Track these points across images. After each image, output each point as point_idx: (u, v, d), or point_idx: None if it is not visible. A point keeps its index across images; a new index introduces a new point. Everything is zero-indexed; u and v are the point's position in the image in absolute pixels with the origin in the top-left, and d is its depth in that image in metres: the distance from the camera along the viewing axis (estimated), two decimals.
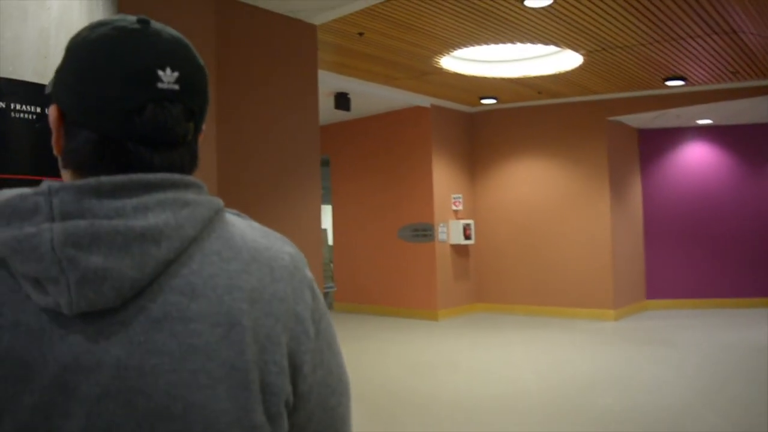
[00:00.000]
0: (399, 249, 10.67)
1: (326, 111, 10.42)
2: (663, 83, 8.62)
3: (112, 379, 0.70)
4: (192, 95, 0.81)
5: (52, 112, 0.81)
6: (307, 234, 5.23)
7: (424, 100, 10.04)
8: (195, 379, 0.71)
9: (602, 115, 9.87)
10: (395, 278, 10.71)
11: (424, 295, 10.34)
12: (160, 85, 0.77)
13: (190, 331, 0.72)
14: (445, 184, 10.52)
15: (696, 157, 10.95)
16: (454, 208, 10.61)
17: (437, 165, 10.36)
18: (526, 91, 9.33)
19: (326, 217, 16.02)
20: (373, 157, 11.04)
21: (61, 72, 0.80)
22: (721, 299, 10.70)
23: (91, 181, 0.73)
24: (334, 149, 11.66)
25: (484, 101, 10.08)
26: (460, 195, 10.67)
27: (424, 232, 10.34)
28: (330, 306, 11.77)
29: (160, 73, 0.77)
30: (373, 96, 9.42)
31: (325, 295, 5.68)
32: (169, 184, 0.77)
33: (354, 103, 9.58)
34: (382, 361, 7.29)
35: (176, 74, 0.78)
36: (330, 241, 12.10)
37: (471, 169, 11.12)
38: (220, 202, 0.82)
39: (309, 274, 0.87)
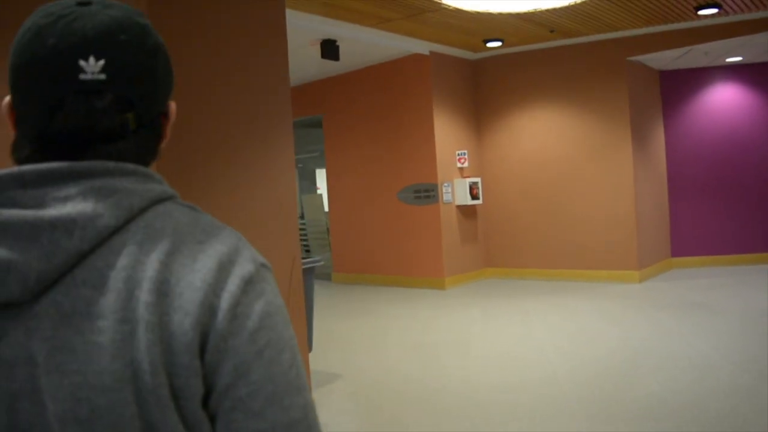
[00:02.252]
0: (400, 212, 9.78)
1: (313, 63, 9.44)
2: (694, 13, 7.57)
3: (28, 376, 0.67)
4: (126, 83, 0.75)
5: (3, 104, 0.80)
6: (279, 204, 4.32)
7: (423, 47, 9.03)
8: (100, 380, 0.67)
9: (621, 56, 8.84)
10: (397, 245, 9.84)
11: (429, 262, 9.48)
12: (82, 76, 0.73)
13: (97, 327, 0.68)
14: (449, 140, 9.57)
15: (724, 100, 9.93)
16: (459, 165, 9.68)
17: (439, 119, 9.40)
18: (536, 29, 8.30)
19: (321, 181, 15.17)
20: (368, 113, 10.08)
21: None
22: (752, 254, 9.81)
23: (14, 170, 0.71)
24: (326, 107, 10.71)
25: (489, 44, 9.05)
26: (465, 151, 9.72)
27: (427, 193, 9.44)
28: (328, 278, 10.94)
29: (82, 63, 0.73)
30: (364, 43, 8.41)
31: (307, 270, 4.78)
32: (100, 172, 0.73)
33: (344, 53, 8.59)
34: (381, 344, 6.43)
35: (101, 63, 0.73)
36: (326, 208, 11.22)
37: (476, 122, 10.15)
38: (164, 191, 0.79)
39: (250, 267, 0.76)
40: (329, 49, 8.23)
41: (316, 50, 8.33)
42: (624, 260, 8.95)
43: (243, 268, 0.76)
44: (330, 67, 9.93)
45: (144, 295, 0.70)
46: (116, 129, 0.76)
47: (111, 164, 0.74)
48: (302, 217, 12.24)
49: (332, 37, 8.12)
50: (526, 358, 5.55)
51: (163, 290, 0.70)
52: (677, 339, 5.84)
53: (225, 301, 0.72)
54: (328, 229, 11.10)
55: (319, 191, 15.46)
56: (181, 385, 0.69)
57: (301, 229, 12.06)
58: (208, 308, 0.71)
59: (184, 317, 0.70)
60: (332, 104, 10.61)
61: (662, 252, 9.75)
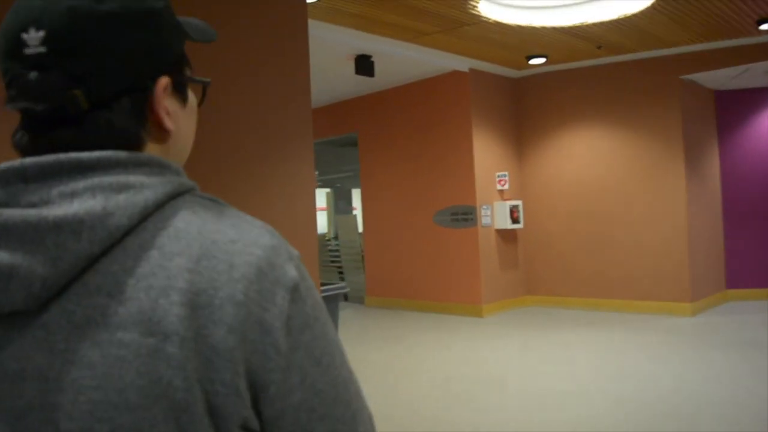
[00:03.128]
0: (436, 235, 9.36)
1: (348, 80, 9.15)
2: (755, 27, 7.04)
3: (36, 391, 0.62)
4: (70, 55, 0.66)
5: None
6: (296, 222, 3.96)
7: (462, 63, 8.65)
8: (124, 398, 0.61)
9: (674, 74, 8.32)
10: (433, 269, 9.41)
11: (466, 287, 9.02)
12: (26, 50, 0.67)
13: (117, 340, 0.61)
14: (489, 161, 9.14)
15: None
16: (500, 187, 9.23)
17: (479, 139, 8.99)
18: (582, 45, 7.85)
19: (357, 202, 14.86)
20: (405, 132, 9.73)
21: None
22: None
23: (16, 163, 0.66)
24: (362, 126, 10.39)
25: (532, 61, 8.62)
26: (505, 173, 9.27)
27: (465, 216, 9.00)
28: (362, 301, 10.55)
29: (24, 36, 0.67)
30: (400, 58, 8.08)
31: (331, 297, 4.40)
32: (112, 164, 0.66)
33: (379, 69, 8.27)
34: (411, 376, 6.00)
35: (41, 34, 0.66)
36: (360, 228, 10.87)
37: (518, 142, 9.70)
38: (183, 183, 0.70)
39: (293, 272, 0.69)
40: (364, 64, 7.92)
41: (351, 66, 8.03)
42: (675, 291, 8.35)
43: (286, 275, 0.68)
44: (365, 85, 9.64)
45: (174, 308, 0.62)
46: (64, 109, 0.67)
47: (123, 155, 0.67)
48: (336, 238, 11.92)
49: (366, 52, 7.81)
50: (567, 399, 5.05)
51: (198, 302, 0.63)
52: (735, 383, 5.27)
53: (275, 318, 0.66)
54: (362, 251, 10.74)
55: (355, 212, 15.13)
56: (220, 404, 0.63)
57: (334, 251, 11.73)
58: (256, 324, 0.64)
59: (228, 333, 0.63)
60: (368, 123, 10.29)
61: (716, 283, 9.11)
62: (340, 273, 11.44)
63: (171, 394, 0.61)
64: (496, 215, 9.13)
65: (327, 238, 13.19)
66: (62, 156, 0.65)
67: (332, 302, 4.83)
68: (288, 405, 0.66)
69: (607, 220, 8.87)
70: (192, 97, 0.81)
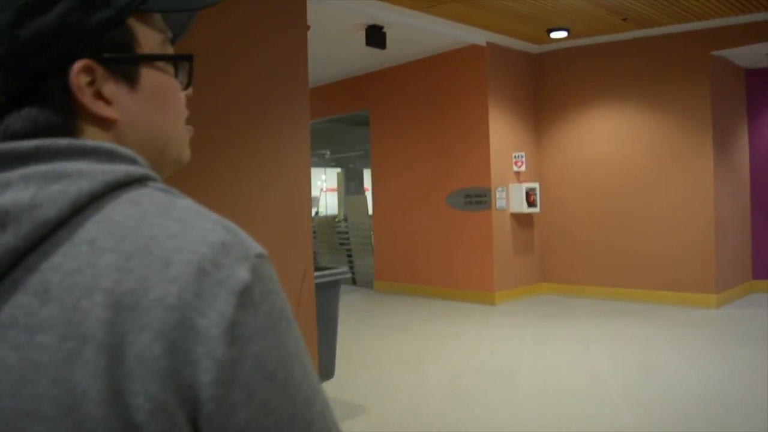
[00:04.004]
0: (449, 218, 8.96)
1: (359, 54, 8.72)
2: None
3: None
4: None
5: None
6: (290, 206, 3.58)
7: (479, 36, 8.18)
8: (36, 406, 0.55)
9: (705, 50, 7.80)
10: (444, 253, 9.01)
11: (478, 273, 8.62)
12: None
13: (36, 343, 0.55)
14: (505, 141, 8.70)
15: None
16: (516, 169, 8.79)
17: (495, 118, 8.54)
18: (607, 17, 7.36)
19: (368, 182, 14.51)
20: (418, 109, 9.30)
21: None
22: None
23: None
24: (373, 103, 9.97)
25: (553, 34, 8.13)
26: (522, 153, 8.83)
27: (479, 199, 8.58)
28: (370, 286, 10.19)
29: None
30: (413, 30, 7.63)
31: (329, 284, 4.02)
32: (51, 153, 0.60)
33: (391, 41, 7.84)
34: (417, 369, 5.62)
35: None
36: (370, 210, 10.49)
37: (536, 122, 9.24)
38: (130, 173, 0.62)
39: (244, 274, 0.58)
40: (375, 36, 7.49)
41: (362, 38, 7.60)
42: (700, 282, 7.90)
43: (234, 276, 0.57)
44: (378, 60, 9.21)
45: (96, 310, 0.55)
46: None
47: (64, 142, 0.61)
48: (346, 219, 11.56)
49: (378, 22, 7.37)
50: (585, 397, 4.65)
51: (124, 304, 0.55)
52: (766, 382, 4.85)
53: (214, 324, 0.55)
54: (372, 233, 10.36)
55: (367, 193, 14.77)
56: (142, 421, 0.54)
57: (344, 233, 11.36)
58: (190, 330, 0.55)
59: (155, 340, 0.54)
60: (379, 100, 9.87)
61: (742, 274, 8.63)
62: (349, 256, 11.08)
63: (85, 406, 0.54)
64: (511, 198, 8.70)
65: (337, 219, 12.81)
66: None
67: (331, 289, 4.45)
68: (231, 424, 0.57)
69: (629, 205, 8.41)
70: (161, 78, 0.71)
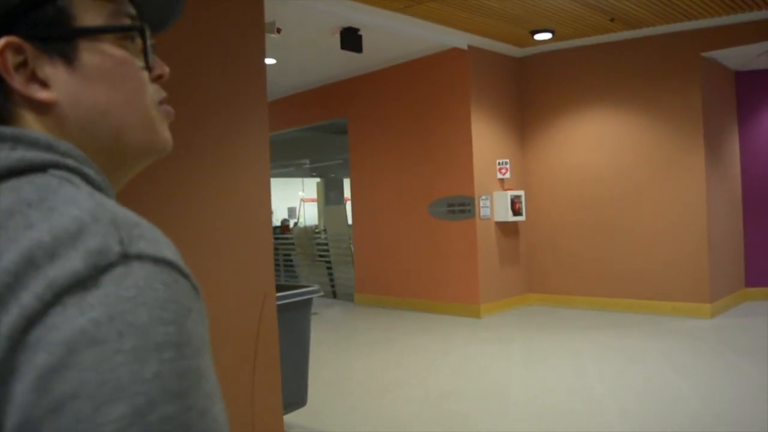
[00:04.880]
0: (431, 228, 8.60)
1: (336, 60, 8.37)
2: None
3: None
4: None
5: None
6: (248, 222, 3.21)
7: (460, 39, 7.86)
8: None
9: (695, 51, 7.53)
10: (427, 265, 8.66)
11: (463, 285, 8.27)
12: None
13: None
14: (489, 147, 8.37)
15: None
16: (500, 176, 8.47)
17: (478, 123, 8.21)
18: (593, 17, 7.06)
19: (347, 191, 14.13)
20: (399, 116, 8.96)
21: None
22: None
23: None
24: (351, 110, 9.62)
25: (537, 36, 7.82)
26: (506, 160, 8.50)
27: (462, 207, 8.24)
28: (351, 299, 9.81)
29: None
30: (391, 33, 7.29)
31: (298, 304, 3.63)
32: None
33: (368, 44, 7.49)
34: (398, 391, 5.23)
35: None
36: (350, 220, 10.12)
37: (521, 127, 8.92)
38: (26, 159, 0.54)
39: (76, 262, 0.47)
40: (350, 38, 7.14)
41: (337, 42, 7.25)
42: (693, 291, 7.59)
43: (65, 264, 0.46)
44: (355, 65, 8.87)
45: None
46: None
47: None
48: (325, 231, 11.19)
49: (353, 24, 7.02)
50: (579, 417, 4.30)
51: None
52: (765, 396, 4.52)
53: (9, 318, 0.44)
54: (351, 242, 9.99)
55: (348, 203, 14.42)
56: None
57: (323, 245, 10.98)
58: None
59: None
60: (357, 107, 9.52)
61: (735, 281, 8.35)
62: (329, 268, 10.68)
63: None
64: (496, 206, 8.37)
65: (317, 230, 12.42)
66: None
67: (300, 309, 4.07)
68: None
69: (618, 212, 8.11)
70: (107, 54, 0.62)
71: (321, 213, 15.24)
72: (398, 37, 7.54)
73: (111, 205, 0.53)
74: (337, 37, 7.18)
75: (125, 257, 0.47)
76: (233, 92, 3.26)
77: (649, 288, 7.88)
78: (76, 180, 0.55)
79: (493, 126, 8.48)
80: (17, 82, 0.58)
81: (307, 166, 15.72)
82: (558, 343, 6.57)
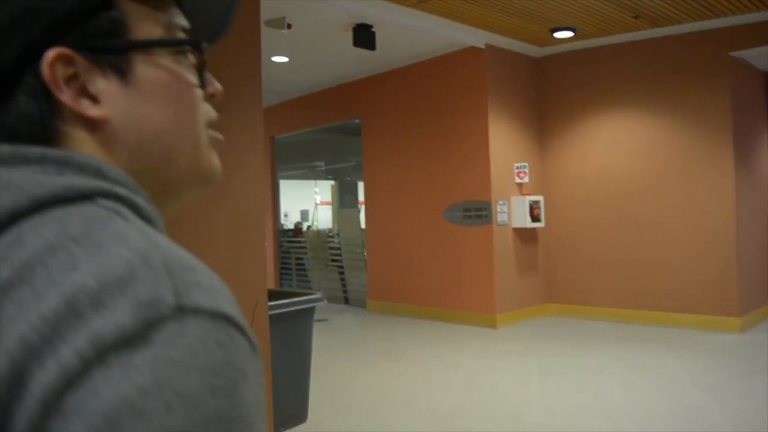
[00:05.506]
0: (446, 234, 8.30)
1: (349, 58, 8.11)
2: None
3: None
4: None
5: None
6: (241, 225, 2.94)
7: (477, 37, 7.56)
8: None
9: (723, 50, 7.16)
10: (441, 272, 8.35)
11: (478, 294, 7.95)
12: None
13: None
14: (506, 151, 8.06)
15: None
16: (518, 180, 8.14)
17: (496, 126, 7.90)
18: (616, 14, 6.73)
19: (361, 194, 13.91)
20: (413, 118, 8.67)
21: None
22: None
23: None
24: (365, 111, 9.35)
25: (557, 34, 7.49)
26: (525, 164, 8.18)
27: (479, 212, 7.93)
28: (363, 305, 9.53)
29: None
30: (405, 30, 7.01)
31: (300, 312, 3.35)
32: None
33: (382, 42, 7.22)
34: (409, 405, 4.93)
35: None
36: (363, 224, 9.84)
37: (540, 130, 8.59)
38: (73, 187, 0.48)
39: (123, 316, 0.41)
40: (363, 35, 6.87)
41: (348, 37, 6.98)
42: (721, 303, 7.21)
43: (111, 316, 0.41)
44: (369, 65, 8.61)
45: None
46: None
47: (6, 149, 0.50)
48: (338, 234, 10.93)
49: (366, 20, 6.75)
50: None
51: None
52: None
53: (45, 377, 0.39)
54: (364, 247, 9.72)
55: (362, 206, 14.19)
56: None
57: (335, 249, 10.73)
58: (13, 381, 0.39)
59: None
60: (371, 108, 9.25)
61: (764, 294, 7.95)
62: (341, 273, 10.41)
63: None
64: (513, 212, 8.04)
65: (330, 234, 12.17)
66: None
67: (301, 318, 3.80)
68: None
69: (642, 219, 7.74)
70: (162, 69, 0.57)
71: (334, 216, 15.02)
72: (413, 35, 7.26)
73: (164, 243, 0.48)
74: (350, 33, 6.92)
75: (179, 311, 0.43)
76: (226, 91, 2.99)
77: (674, 300, 7.50)
78: (126, 212, 0.50)
79: (511, 128, 8.17)
80: (67, 96, 0.53)
81: (322, 168, 15.50)
82: (577, 358, 6.23)
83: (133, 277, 0.42)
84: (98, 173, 0.51)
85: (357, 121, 9.60)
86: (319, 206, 17.21)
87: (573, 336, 7.22)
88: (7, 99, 0.53)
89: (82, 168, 0.50)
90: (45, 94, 0.52)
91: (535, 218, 8.04)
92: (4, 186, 0.47)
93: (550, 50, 8.29)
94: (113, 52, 0.55)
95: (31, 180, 0.47)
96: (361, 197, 15.08)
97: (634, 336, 7.09)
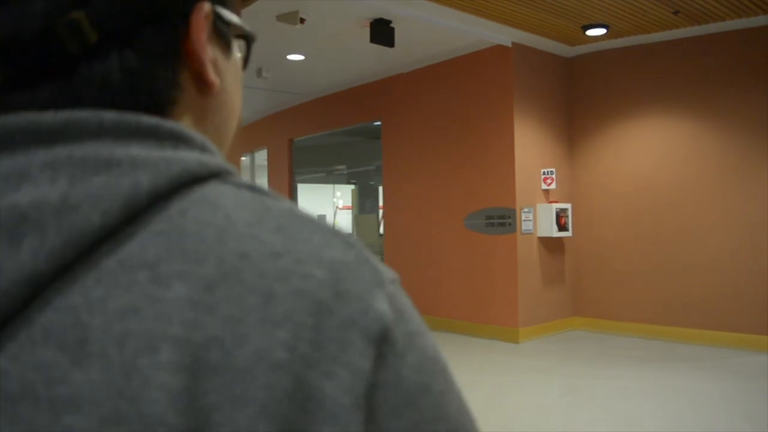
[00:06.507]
0: (467, 242, 7.88)
1: (368, 56, 7.75)
2: None
3: None
4: None
5: None
6: None
7: (503, 34, 7.14)
8: None
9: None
10: (461, 282, 7.94)
11: (500, 306, 7.52)
12: None
13: (62, 427, 0.34)
14: (533, 156, 7.63)
15: None
16: (545, 187, 7.70)
17: (522, 129, 7.48)
18: (654, 9, 6.27)
19: (379, 199, 13.57)
20: (435, 120, 8.29)
21: None
22: None
23: None
24: (385, 113, 8.98)
25: (589, 32, 7.05)
26: (552, 170, 7.73)
27: (502, 220, 7.50)
28: None
29: None
30: (426, 26, 6.63)
31: None
32: (92, 130, 0.40)
33: (403, 41, 6.86)
34: None
35: None
36: (381, 230, 9.48)
37: (569, 134, 8.14)
38: (204, 163, 0.43)
39: (382, 306, 0.41)
40: (381, 31, 6.51)
41: (365, 33, 6.62)
42: (760, 321, 6.69)
43: (368, 312, 0.40)
44: (389, 65, 8.26)
45: (161, 375, 0.35)
46: (59, 44, 0.41)
47: (110, 116, 0.40)
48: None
49: (384, 15, 6.39)
50: None
51: (207, 362, 0.36)
52: None
53: (346, 390, 0.37)
54: (382, 254, 9.36)
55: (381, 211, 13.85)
56: None
57: None
58: (310, 401, 0.36)
59: (257, 420, 0.35)
60: (392, 109, 8.88)
61: None
62: None
63: None
64: (539, 220, 7.60)
65: None
66: (14, 119, 0.39)
67: None
68: None
69: (677, 230, 7.25)
70: (236, 54, 0.54)
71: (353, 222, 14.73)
72: (434, 31, 6.87)
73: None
74: (368, 30, 6.56)
75: (393, 283, 0.44)
76: None
77: (711, 316, 6.99)
78: (265, 189, 0.46)
79: (538, 132, 7.73)
80: (207, 54, 0.48)
81: (343, 172, 15.18)
82: (605, 379, 5.77)
83: (350, 260, 0.41)
84: (207, 147, 0.45)
85: (377, 123, 9.24)
86: (340, 211, 16.91)
87: (600, 353, 6.75)
88: (109, 59, 0.42)
89: (193, 143, 0.44)
90: (173, 53, 0.46)
91: (562, 227, 7.59)
92: (129, 162, 0.39)
93: (581, 49, 7.84)
94: (225, 21, 0.50)
95: (158, 155, 0.41)
96: (381, 202, 14.76)
97: (665, 355, 6.60)
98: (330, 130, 10.15)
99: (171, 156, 0.41)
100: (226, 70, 0.52)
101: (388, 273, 0.44)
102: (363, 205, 14.32)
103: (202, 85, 0.48)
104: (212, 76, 0.48)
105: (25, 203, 0.36)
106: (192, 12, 0.46)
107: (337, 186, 16.98)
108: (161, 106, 0.45)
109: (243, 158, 12.69)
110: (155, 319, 0.36)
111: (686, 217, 7.19)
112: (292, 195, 10.97)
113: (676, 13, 6.31)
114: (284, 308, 0.38)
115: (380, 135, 9.35)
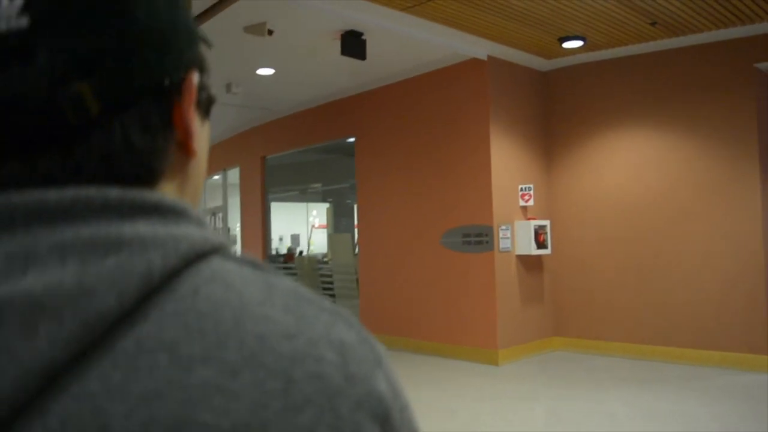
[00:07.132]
0: (444, 261, 7.64)
1: (341, 71, 7.54)
2: None
3: None
4: (68, 30, 0.40)
5: None
6: None
7: (478, 48, 6.97)
8: None
9: (747, 62, 6.55)
10: (438, 302, 7.68)
11: (478, 327, 7.28)
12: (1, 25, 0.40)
13: None
14: (510, 171, 7.43)
15: None
16: (523, 203, 7.50)
17: (498, 144, 7.29)
18: (631, 20, 6.13)
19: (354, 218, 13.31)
20: (410, 135, 8.07)
21: None
22: None
23: None
24: (359, 129, 8.75)
25: (566, 44, 6.89)
26: (530, 186, 7.54)
27: (479, 238, 7.28)
28: None
29: None
30: (400, 38, 6.43)
31: None
32: (96, 208, 0.40)
33: (375, 54, 6.65)
34: None
35: (18, 1, 0.40)
36: (357, 250, 9.21)
37: (546, 149, 7.97)
38: (207, 239, 0.44)
39: (382, 386, 0.44)
40: (352, 43, 6.29)
41: (335, 46, 6.40)
42: (747, 339, 6.52)
43: (372, 394, 0.42)
44: (362, 80, 8.05)
45: None
46: (60, 114, 0.40)
47: (114, 193, 0.41)
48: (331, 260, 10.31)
49: (356, 27, 6.18)
50: None
51: None
52: None
53: None
54: (356, 275, 9.09)
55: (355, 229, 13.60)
56: None
57: (327, 275, 10.09)
58: None
59: None
60: (365, 126, 8.66)
61: None
62: (332, 301, 9.76)
63: None
64: (517, 237, 7.39)
65: (325, 259, 11.54)
66: (13, 197, 0.38)
67: None
68: None
69: (659, 246, 7.07)
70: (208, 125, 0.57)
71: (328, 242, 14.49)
72: (408, 44, 6.67)
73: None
74: (338, 43, 6.34)
75: (385, 359, 0.47)
76: None
77: (695, 334, 6.81)
78: (257, 262, 0.48)
79: (515, 148, 7.54)
80: (193, 122, 0.48)
81: (319, 190, 14.92)
82: (592, 403, 5.52)
83: (354, 341, 0.43)
84: (202, 222, 0.46)
85: (351, 139, 9.01)
86: (315, 230, 16.61)
87: (582, 375, 6.51)
88: (110, 129, 0.42)
89: (191, 218, 0.45)
90: (166, 123, 0.46)
91: (540, 244, 7.38)
92: (139, 241, 0.39)
93: (558, 62, 7.69)
94: (205, 89, 0.52)
95: (164, 233, 0.41)
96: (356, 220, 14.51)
97: (651, 375, 6.39)
98: (303, 147, 9.90)
99: (177, 233, 0.41)
100: (201, 136, 0.51)
101: (381, 349, 0.46)
102: (338, 223, 14.05)
103: (184, 152, 0.49)
104: (195, 144, 0.49)
105: (40, 289, 0.35)
106: (184, 82, 0.46)
107: (312, 204, 16.69)
108: (155, 177, 0.45)
109: (216, 177, 12.38)
110: (180, 405, 0.36)
111: (669, 232, 7.02)
112: (265, 214, 10.67)
113: (653, 24, 6.18)
114: (303, 394, 0.39)
115: (348, 151, 9.11)
